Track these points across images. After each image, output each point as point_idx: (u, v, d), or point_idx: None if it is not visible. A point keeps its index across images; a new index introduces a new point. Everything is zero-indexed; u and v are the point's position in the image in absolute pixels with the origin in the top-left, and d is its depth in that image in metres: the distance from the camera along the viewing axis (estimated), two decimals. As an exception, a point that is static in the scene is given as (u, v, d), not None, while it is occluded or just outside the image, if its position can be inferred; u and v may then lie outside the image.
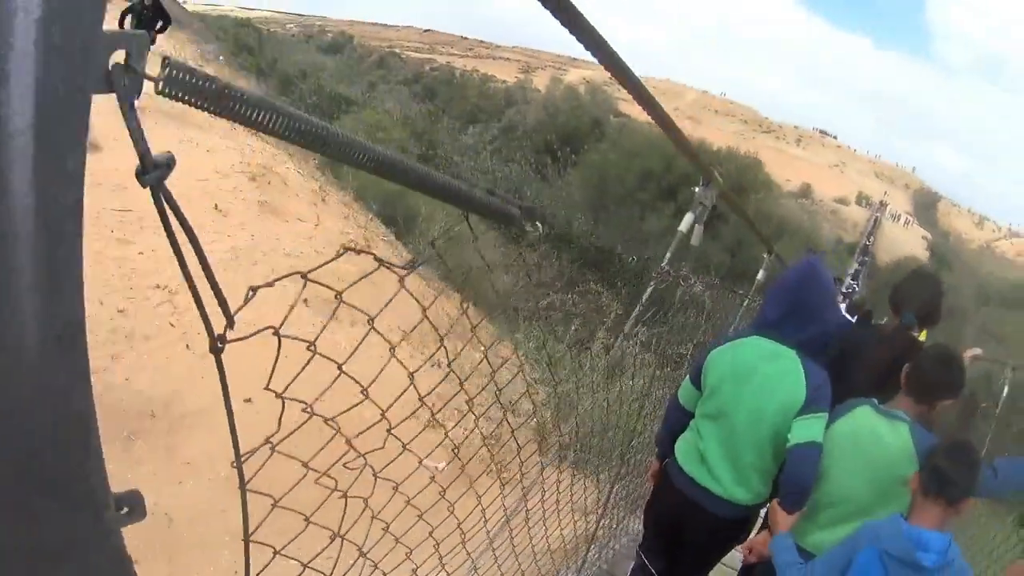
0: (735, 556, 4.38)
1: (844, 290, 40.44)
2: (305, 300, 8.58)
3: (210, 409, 7.02)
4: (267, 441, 1.46)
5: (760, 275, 7.74)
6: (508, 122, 47.00)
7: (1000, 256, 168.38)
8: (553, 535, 4.55)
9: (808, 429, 3.36)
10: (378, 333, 1.66)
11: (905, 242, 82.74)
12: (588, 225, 29.71)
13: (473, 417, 2.60)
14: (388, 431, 1.91)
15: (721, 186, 3.93)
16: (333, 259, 1.31)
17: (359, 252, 1.39)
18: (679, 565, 4.12)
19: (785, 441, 3.41)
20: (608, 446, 5.71)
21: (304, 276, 1.23)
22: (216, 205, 10.82)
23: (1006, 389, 7.95)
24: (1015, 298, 56.39)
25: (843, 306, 10.76)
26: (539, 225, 1.71)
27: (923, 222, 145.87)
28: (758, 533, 3.78)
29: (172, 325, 8.16)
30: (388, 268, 1.41)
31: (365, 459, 1.94)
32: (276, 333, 1.24)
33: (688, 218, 3.98)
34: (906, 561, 2.84)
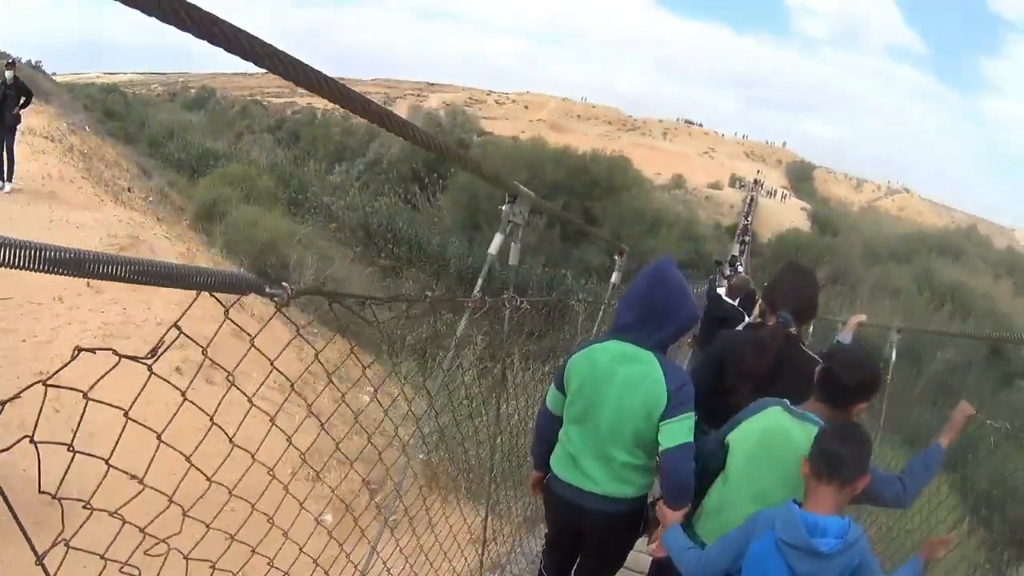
0: (640, 559, 4.68)
1: (728, 273, 40.70)
2: (178, 368, 8.50)
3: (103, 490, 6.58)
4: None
5: (614, 277, 7.66)
6: (373, 156, 46.78)
7: (884, 214, 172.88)
8: (443, 570, 4.60)
9: (677, 432, 3.39)
10: (238, 388, 1.75)
11: (785, 215, 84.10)
12: (463, 248, 29.37)
13: (367, 459, 2.79)
14: (284, 488, 2.13)
15: (532, 198, 3.62)
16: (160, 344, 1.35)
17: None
18: (584, 569, 4.12)
19: (652, 439, 3.47)
20: (492, 469, 5.42)
21: (45, 384, 1.26)
22: (88, 282, 10.58)
23: (894, 354, 7.72)
24: (903, 251, 57.56)
25: (723, 290, 10.57)
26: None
27: (801, 194, 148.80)
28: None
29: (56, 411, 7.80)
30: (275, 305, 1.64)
31: (271, 521, 2.12)
32: (85, 396, 1.31)
33: (497, 239, 3.61)
34: (803, 548, 2.81)
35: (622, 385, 3.47)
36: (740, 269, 44.12)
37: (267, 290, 1.58)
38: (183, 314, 1.40)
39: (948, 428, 3.84)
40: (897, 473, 3.56)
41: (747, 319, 8.78)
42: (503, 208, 3.52)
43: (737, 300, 10.00)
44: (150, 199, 19.85)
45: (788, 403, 3.39)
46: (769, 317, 4.13)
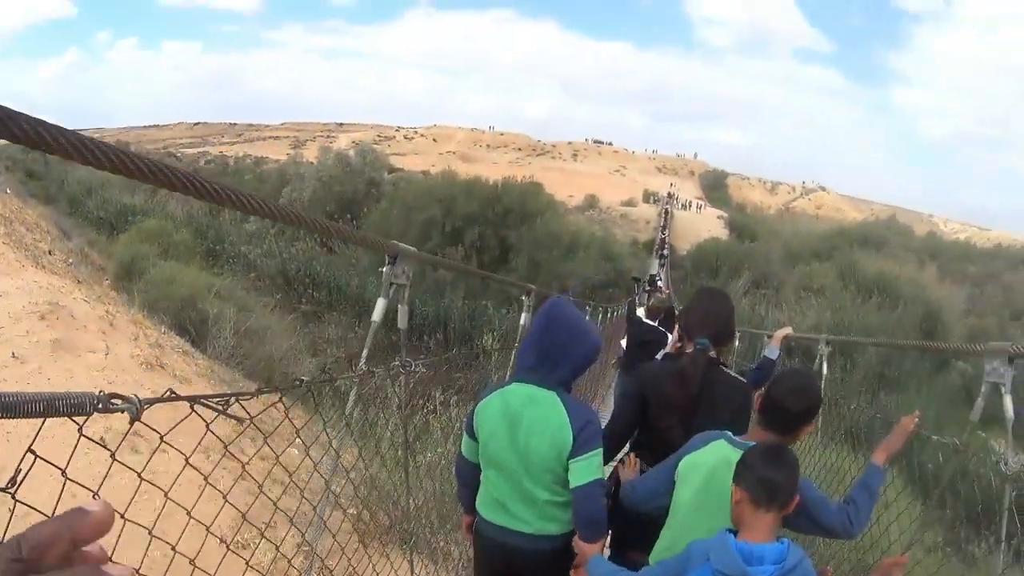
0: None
1: (648, 288, 41.14)
2: (102, 438, 8.10)
3: None
4: None
5: (523, 318, 7.36)
6: (286, 200, 46.26)
7: (801, 214, 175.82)
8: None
9: (585, 470, 3.43)
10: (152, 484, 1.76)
11: (702, 226, 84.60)
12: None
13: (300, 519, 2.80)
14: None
15: (414, 253, 3.61)
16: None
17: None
18: None
19: (567, 476, 3.48)
20: (420, 516, 5.65)
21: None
22: (13, 353, 10.39)
23: (825, 367, 7.53)
24: (824, 248, 58.25)
25: (643, 311, 10.64)
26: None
27: (716, 202, 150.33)
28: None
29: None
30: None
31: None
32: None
33: (379, 304, 3.56)
34: None
35: (528, 428, 3.50)
36: (660, 285, 44.44)
37: (115, 405, 1.52)
38: (36, 436, 1.35)
39: (886, 445, 3.87)
40: (842, 501, 3.58)
41: (670, 338, 8.52)
42: (383, 271, 3.52)
43: (657, 320, 9.93)
44: (70, 261, 19.58)
45: (731, 435, 3.46)
46: (687, 344, 4.19)
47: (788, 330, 6.29)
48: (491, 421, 3.61)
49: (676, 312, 14.75)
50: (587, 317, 12.78)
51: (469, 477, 3.89)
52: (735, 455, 3.23)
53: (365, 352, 3.57)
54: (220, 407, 2.05)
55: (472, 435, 3.75)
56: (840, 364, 28.29)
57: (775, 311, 38.13)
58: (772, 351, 5.83)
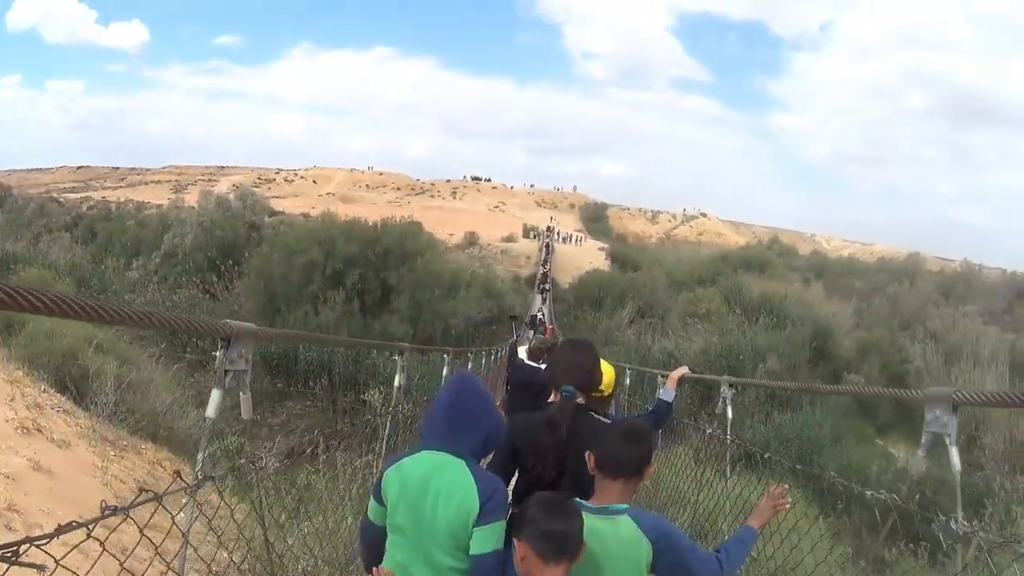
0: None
1: (529, 326, 41.71)
2: None
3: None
4: None
5: (397, 379, 7.26)
6: (168, 247, 45.69)
7: (683, 241, 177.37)
8: None
9: (487, 539, 3.47)
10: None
11: (584, 258, 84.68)
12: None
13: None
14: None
15: (252, 332, 3.29)
16: None
17: None
18: None
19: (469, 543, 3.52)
20: None
21: None
22: None
23: (729, 411, 7.19)
24: (708, 273, 58.76)
25: (523, 351, 10.66)
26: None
27: (597, 234, 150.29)
28: None
29: None
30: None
31: None
32: None
33: (214, 397, 3.25)
34: None
35: (436, 494, 3.53)
36: (542, 320, 44.93)
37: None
38: None
39: (758, 513, 4.02)
40: (714, 551, 3.69)
41: None
42: (216, 355, 3.22)
43: (541, 361, 9.60)
44: (-61, 317, 19.29)
45: (583, 502, 3.51)
46: (555, 394, 4.33)
47: (684, 370, 6.25)
48: (399, 486, 3.63)
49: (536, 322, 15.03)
50: (468, 366, 13.10)
51: (374, 540, 3.84)
52: (595, 522, 3.38)
53: (201, 456, 3.35)
54: (9, 557, 1.89)
55: (379, 499, 3.73)
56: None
57: (662, 339, 38.50)
58: (667, 393, 5.87)
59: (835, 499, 21.48)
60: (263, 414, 24.62)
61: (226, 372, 3.20)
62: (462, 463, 3.57)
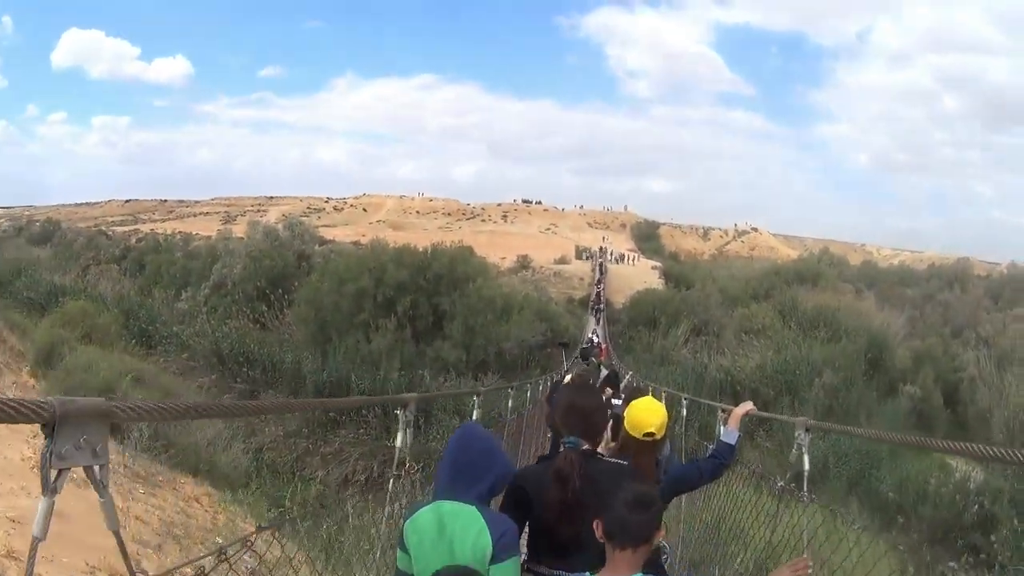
0: None
1: (585, 344, 41.28)
2: None
3: None
4: None
5: (399, 440, 6.38)
6: (217, 278, 45.83)
7: (735, 256, 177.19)
8: None
9: (504, 574, 3.54)
10: None
11: (637, 277, 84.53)
12: (317, 362, 28.97)
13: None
14: None
15: (97, 408, 2.06)
16: None
17: None
18: None
19: None
20: None
21: None
22: None
23: (806, 461, 5.34)
24: (761, 288, 58.72)
25: (569, 378, 10.03)
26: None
27: (649, 253, 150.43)
28: None
29: None
30: None
31: None
32: None
33: (42, 509, 1.83)
34: None
35: (451, 539, 3.58)
36: (597, 341, 44.23)
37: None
38: None
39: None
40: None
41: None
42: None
43: (601, 382, 9.20)
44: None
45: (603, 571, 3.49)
46: (561, 443, 4.17)
47: (748, 406, 5.60)
48: (417, 535, 3.67)
49: (619, 374, 14.17)
50: (509, 404, 12.61)
51: None
52: None
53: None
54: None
55: (404, 549, 3.77)
56: (787, 402, 28.45)
57: (717, 356, 38.29)
58: (730, 435, 5.27)
59: (894, 514, 21.02)
60: (316, 442, 24.33)
61: (58, 472, 1.94)
62: (472, 507, 3.61)
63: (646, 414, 4.85)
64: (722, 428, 5.58)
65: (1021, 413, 29.23)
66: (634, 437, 4.81)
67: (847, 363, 33.87)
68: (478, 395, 7.53)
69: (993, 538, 18.34)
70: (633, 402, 5.17)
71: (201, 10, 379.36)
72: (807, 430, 5.28)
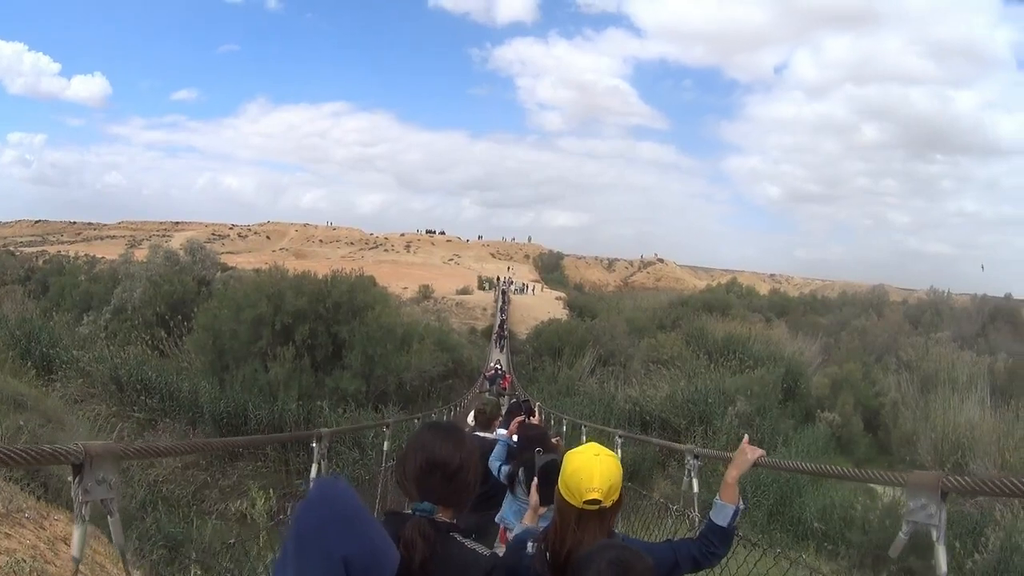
0: None
1: (490, 372, 41.62)
2: None
3: None
4: None
5: (313, 471, 6.16)
6: (118, 303, 45.13)
7: (641, 287, 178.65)
8: None
9: None
10: None
11: (541, 308, 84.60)
12: (215, 391, 28.69)
13: None
14: None
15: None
16: None
17: None
18: None
19: None
20: None
21: None
22: None
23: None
24: (667, 319, 59.57)
25: (471, 418, 9.47)
26: None
27: (553, 283, 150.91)
28: None
29: None
30: None
31: None
32: None
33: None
34: None
35: None
36: (501, 371, 44.35)
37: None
38: None
39: (734, 465, 3.93)
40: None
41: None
42: (73, 484, 2.69)
43: (494, 429, 8.51)
44: None
45: None
46: (409, 506, 3.13)
47: (755, 455, 4.14)
48: None
49: (530, 409, 14.07)
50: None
51: None
52: None
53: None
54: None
55: None
56: (700, 432, 28.88)
57: (625, 387, 38.49)
58: (722, 512, 3.89)
59: (820, 540, 21.40)
60: (214, 475, 24.10)
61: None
62: None
63: (586, 471, 3.37)
64: (716, 501, 3.99)
65: (950, 435, 29.89)
66: (572, 504, 3.36)
67: (761, 391, 34.32)
68: (387, 426, 7.95)
69: (934, 562, 18.59)
70: (570, 452, 3.57)
71: (122, 28, 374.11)
72: (695, 456, 5.96)
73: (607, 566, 2.78)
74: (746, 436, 4.53)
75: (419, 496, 3.03)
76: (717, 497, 3.95)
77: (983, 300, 67.71)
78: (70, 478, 2.64)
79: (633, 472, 21.82)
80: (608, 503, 3.33)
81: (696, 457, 5.94)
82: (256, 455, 24.34)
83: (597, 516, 3.35)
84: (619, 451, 8.55)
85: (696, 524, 5.49)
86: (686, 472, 5.96)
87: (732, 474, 3.99)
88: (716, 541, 3.78)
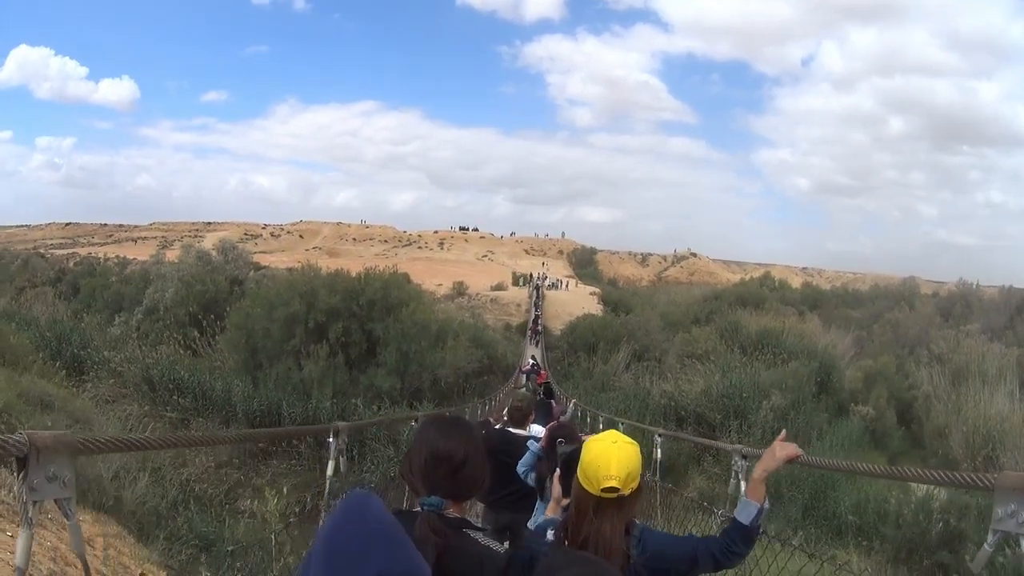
0: None
1: (527, 368, 41.55)
2: None
3: None
4: None
5: (330, 468, 5.56)
6: (149, 303, 45.17)
7: (675, 282, 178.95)
8: None
9: None
10: None
11: (575, 304, 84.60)
12: (248, 389, 28.42)
13: None
14: None
15: (64, 442, 2.36)
16: None
17: None
18: None
19: None
20: None
21: None
22: None
23: (743, 488, 4.94)
24: (701, 313, 59.32)
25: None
26: None
27: (587, 279, 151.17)
28: None
29: None
30: None
31: None
32: None
33: (22, 540, 2.31)
34: None
35: None
36: (536, 366, 44.06)
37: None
38: None
39: (762, 464, 3.84)
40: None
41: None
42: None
43: (528, 425, 7.91)
44: None
45: None
46: (415, 501, 3.08)
47: (789, 451, 3.95)
48: None
49: (553, 395, 13.75)
50: None
51: None
52: None
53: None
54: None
55: None
56: (735, 426, 28.45)
57: (660, 382, 38.25)
58: (748, 509, 3.77)
59: (855, 536, 20.94)
60: (247, 473, 23.85)
61: (33, 503, 2.24)
62: None
63: (604, 458, 3.31)
64: (741, 497, 3.97)
65: (981, 429, 29.38)
66: (589, 492, 3.32)
67: (796, 385, 33.87)
68: (415, 420, 7.23)
69: (968, 557, 18.12)
70: (589, 440, 3.52)
71: (149, 31, 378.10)
72: (744, 457, 5.42)
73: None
74: (783, 431, 4.30)
75: (426, 491, 2.97)
76: (743, 494, 3.93)
77: (1010, 292, 67.01)
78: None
79: (668, 468, 21.56)
80: (627, 491, 3.30)
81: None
82: (290, 453, 24.10)
83: (615, 504, 3.31)
84: (659, 451, 8.35)
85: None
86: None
87: (759, 472, 3.90)
88: (738, 539, 3.69)
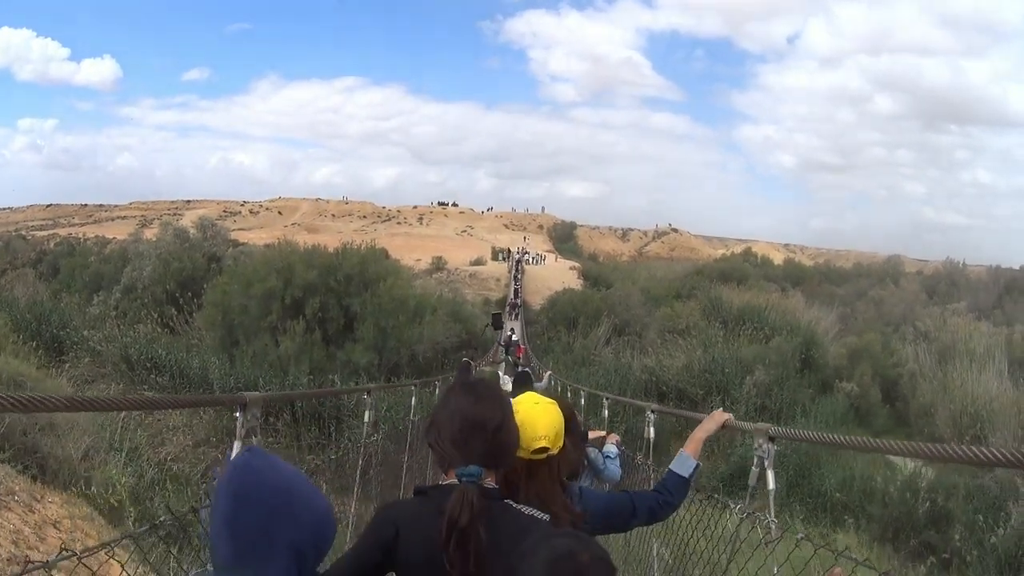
0: None
1: (503, 342, 41.51)
2: None
3: None
4: None
5: (366, 416, 5.72)
6: (128, 281, 45.03)
7: (655, 257, 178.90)
8: None
9: None
10: None
11: (555, 278, 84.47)
12: (225, 367, 28.38)
13: None
14: None
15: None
16: None
17: None
18: None
19: None
20: None
21: None
22: None
23: (771, 478, 4.13)
24: (683, 288, 59.52)
25: (507, 380, 9.27)
26: None
27: (567, 254, 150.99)
28: None
29: None
30: None
31: None
32: None
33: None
34: None
35: None
36: (515, 339, 44.03)
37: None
38: None
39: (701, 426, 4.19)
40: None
41: None
42: (236, 417, 3.74)
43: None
44: None
45: None
46: (448, 474, 2.80)
47: (722, 418, 4.43)
48: None
49: (530, 377, 13.82)
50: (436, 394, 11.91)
51: None
52: None
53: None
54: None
55: None
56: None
57: (641, 356, 38.28)
58: (684, 462, 4.06)
59: (841, 514, 21.06)
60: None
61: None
62: None
63: (530, 420, 3.22)
64: (679, 454, 4.11)
65: (969, 408, 29.55)
66: (519, 457, 3.12)
67: (779, 360, 34.18)
68: (368, 393, 6.45)
69: (957, 537, 18.20)
70: (514, 400, 3.29)
71: (129, 9, 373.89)
72: (771, 439, 4.16)
73: (543, 567, 2.24)
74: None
75: (462, 460, 2.74)
76: (681, 450, 4.16)
77: (999, 271, 67.39)
78: (236, 414, 3.61)
79: (653, 444, 21.65)
80: (555, 449, 3.30)
81: (772, 440, 4.14)
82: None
83: (545, 465, 3.29)
84: (651, 428, 7.60)
85: (772, 532, 4.03)
86: (755, 461, 4.21)
87: (702, 433, 4.35)
88: (673, 490, 3.95)
